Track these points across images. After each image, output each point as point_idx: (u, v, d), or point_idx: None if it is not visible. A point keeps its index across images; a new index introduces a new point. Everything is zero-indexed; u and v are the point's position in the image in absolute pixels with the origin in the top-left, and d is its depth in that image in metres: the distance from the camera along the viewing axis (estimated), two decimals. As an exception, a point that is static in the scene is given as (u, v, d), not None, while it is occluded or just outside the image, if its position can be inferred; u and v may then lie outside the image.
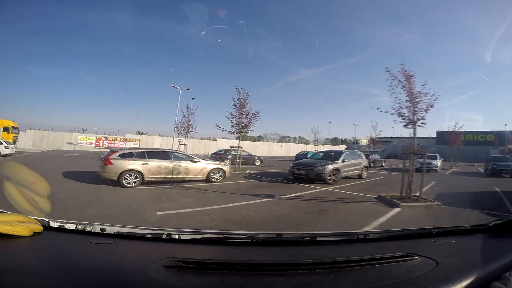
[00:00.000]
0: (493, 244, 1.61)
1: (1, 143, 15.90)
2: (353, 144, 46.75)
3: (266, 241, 1.53)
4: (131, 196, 6.55)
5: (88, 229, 1.42)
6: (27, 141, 31.11)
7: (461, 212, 5.85)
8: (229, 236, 1.48)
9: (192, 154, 10.11)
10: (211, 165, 9.58)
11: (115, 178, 7.67)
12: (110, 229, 1.44)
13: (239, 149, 14.41)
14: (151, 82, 60.67)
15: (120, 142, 39.26)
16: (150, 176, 8.05)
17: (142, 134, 43.13)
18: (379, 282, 1.18)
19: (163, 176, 8.31)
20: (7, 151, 15.69)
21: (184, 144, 21.83)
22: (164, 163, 8.45)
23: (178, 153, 9.35)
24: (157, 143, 41.39)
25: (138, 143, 39.80)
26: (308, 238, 1.56)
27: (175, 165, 8.59)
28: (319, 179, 9.59)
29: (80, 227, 1.43)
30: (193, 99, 38.98)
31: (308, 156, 18.78)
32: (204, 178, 9.14)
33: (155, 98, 62.16)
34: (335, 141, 46.29)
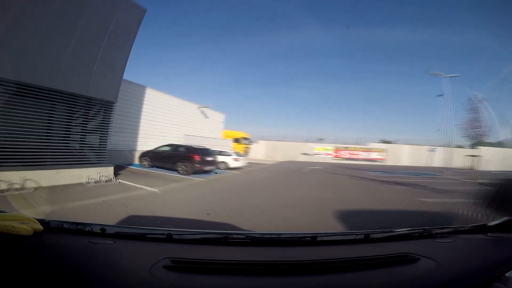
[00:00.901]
0: (493, 244, 1.58)
1: (230, 155, 14.70)
2: None
3: (267, 241, 1.48)
4: None
5: (88, 229, 1.33)
6: (259, 151, 30.84)
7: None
8: (229, 236, 1.41)
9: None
10: None
11: None
12: (110, 229, 1.35)
13: None
14: (390, 82, 55.08)
15: (363, 153, 34.47)
16: None
17: (386, 142, 37.27)
18: (379, 282, 1.14)
19: None
20: (236, 164, 14.30)
21: (475, 156, 15.68)
22: None
23: None
24: (405, 153, 34.88)
25: (384, 153, 34.61)
26: (309, 238, 1.50)
27: None
28: None
29: (80, 227, 1.34)
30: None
31: None
32: None
33: (398, 101, 55.73)
34: None
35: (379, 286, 1.11)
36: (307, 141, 33.91)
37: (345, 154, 33.72)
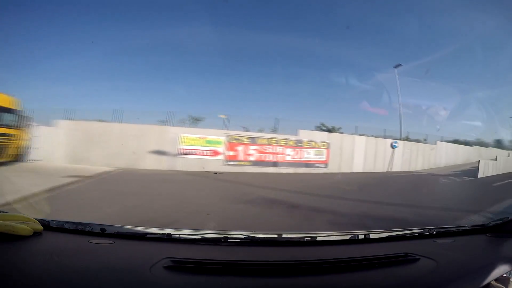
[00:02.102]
0: (493, 244, 1.63)
1: None
2: None
3: (266, 241, 1.57)
4: None
5: (88, 229, 1.49)
6: (56, 145, 13.80)
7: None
8: (229, 236, 1.53)
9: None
10: None
11: None
12: (110, 229, 1.49)
13: None
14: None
15: (288, 150, 17.33)
16: None
17: (328, 130, 21.47)
18: (379, 282, 1.17)
19: None
20: None
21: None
22: None
23: None
24: (358, 150, 19.67)
25: (324, 150, 18.41)
26: (309, 239, 1.58)
27: None
28: None
29: (80, 227, 1.50)
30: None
31: None
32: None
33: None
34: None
35: (379, 286, 1.18)
36: (166, 123, 16.92)
37: (252, 152, 16.38)
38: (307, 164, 17.66)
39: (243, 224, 6.65)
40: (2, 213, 1.36)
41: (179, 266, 1.14)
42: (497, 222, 1.77)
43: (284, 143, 17.03)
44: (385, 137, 21.59)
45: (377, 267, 1.26)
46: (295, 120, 22.51)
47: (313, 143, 18.12)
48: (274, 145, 16.63)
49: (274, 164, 17.01)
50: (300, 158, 17.41)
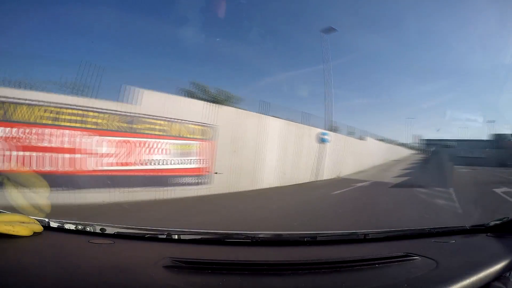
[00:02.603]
0: (493, 244, 1.67)
1: None
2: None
3: (266, 241, 1.68)
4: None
5: (88, 229, 1.58)
6: None
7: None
8: (229, 236, 1.67)
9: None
10: None
11: None
12: (110, 229, 1.57)
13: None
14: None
15: (104, 140, 5.91)
16: None
17: (215, 100, 8.90)
18: (379, 282, 1.21)
19: None
20: None
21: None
22: None
23: None
24: (272, 140, 10.86)
25: (203, 143, 8.29)
26: (308, 238, 1.67)
27: None
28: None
29: (80, 227, 1.59)
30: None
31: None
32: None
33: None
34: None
35: (379, 286, 1.21)
36: None
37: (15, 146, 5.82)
38: (158, 179, 7.85)
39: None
40: (2, 213, 1.41)
41: (179, 266, 1.16)
42: (497, 222, 1.80)
43: (93, 124, 6.65)
44: (305, 123, 13.82)
45: (377, 267, 1.29)
46: (127, 70, 11.15)
47: (176, 127, 8.24)
48: (62, 127, 6.18)
49: (58, 179, 6.96)
50: (139, 163, 7.49)
